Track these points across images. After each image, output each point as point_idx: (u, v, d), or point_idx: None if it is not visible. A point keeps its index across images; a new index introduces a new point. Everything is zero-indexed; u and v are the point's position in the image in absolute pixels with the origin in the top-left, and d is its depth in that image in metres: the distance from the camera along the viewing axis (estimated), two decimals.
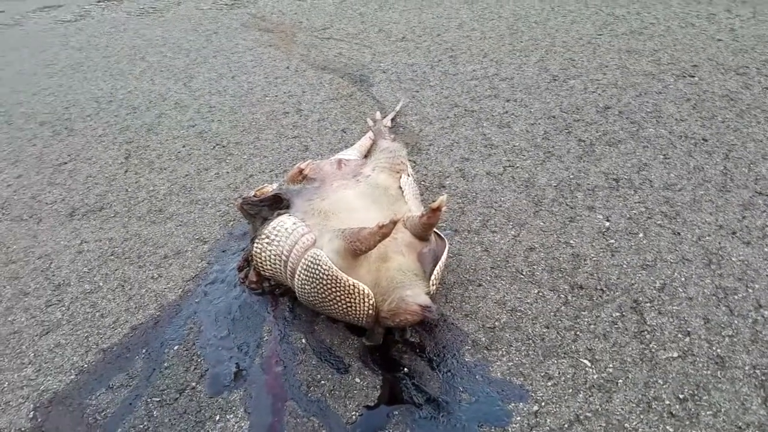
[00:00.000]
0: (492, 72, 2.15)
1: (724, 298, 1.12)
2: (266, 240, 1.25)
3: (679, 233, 1.31)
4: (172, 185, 1.75)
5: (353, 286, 1.07)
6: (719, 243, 1.27)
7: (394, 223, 1.06)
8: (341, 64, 2.43)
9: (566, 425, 0.95)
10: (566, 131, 1.72)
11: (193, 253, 1.46)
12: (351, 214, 1.21)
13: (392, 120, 1.92)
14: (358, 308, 1.08)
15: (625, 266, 1.24)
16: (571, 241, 1.33)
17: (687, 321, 1.10)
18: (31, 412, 1.09)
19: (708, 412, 0.95)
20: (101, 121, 2.20)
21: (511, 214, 1.43)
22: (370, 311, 1.08)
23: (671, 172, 1.50)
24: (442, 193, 1.54)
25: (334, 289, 1.08)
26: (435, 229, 1.22)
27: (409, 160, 1.66)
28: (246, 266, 1.36)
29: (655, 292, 1.17)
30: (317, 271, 1.10)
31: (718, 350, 1.04)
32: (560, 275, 1.24)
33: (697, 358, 1.03)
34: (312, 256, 1.13)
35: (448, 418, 0.99)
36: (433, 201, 1.11)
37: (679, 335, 1.07)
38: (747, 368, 1.01)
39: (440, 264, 1.14)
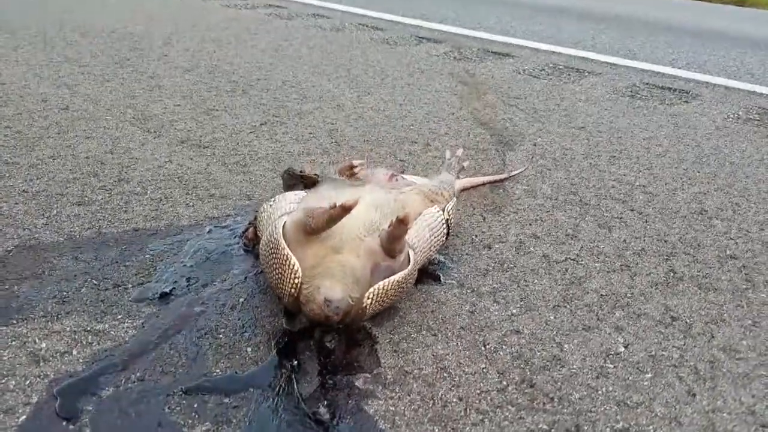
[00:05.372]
0: (641, 182, 1.98)
1: None
2: (271, 202, 1.33)
3: (694, 395, 1.07)
4: (272, 153, 1.93)
5: (287, 257, 1.08)
6: (732, 427, 1.01)
7: (344, 208, 1.06)
8: (501, 126, 2.44)
9: None
10: (665, 258, 1.52)
11: (233, 202, 1.59)
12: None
13: (497, 181, 1.88)
14: (284, 281, 1.09)
15: (600, 393, 1.05)
16: (566, 346, 1.17)
17: None
18: (11, 248, 1.29)
19: None
20: (283, 94, 2.50)
21: (531, 297, 1.31)
22: (293, 290, 1.08)
23: (746, 339, 1.23)
24: (482, 253, 1.47)
25: (273, 254, 1.11)
26: (414, 255, 1.18)
27: (480, 216, 1.62)
28: (254, 222, 1.44)
29: (608, 430, 0.98)
30: (271, 233, 1.14)
31: None
32: (522, 366, 1.10)
33: None
34: (276, 221, 1.17)
35: (288, 419, 0.94)
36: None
37: None
38: None
39: (388, 281, 1.10)
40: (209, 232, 1.44)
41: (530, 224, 1.64)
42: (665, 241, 1.61)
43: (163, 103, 2.33)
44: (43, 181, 1.60)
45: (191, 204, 1.56)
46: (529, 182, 1.92)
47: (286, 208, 1.23)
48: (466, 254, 1.46)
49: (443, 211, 1.39)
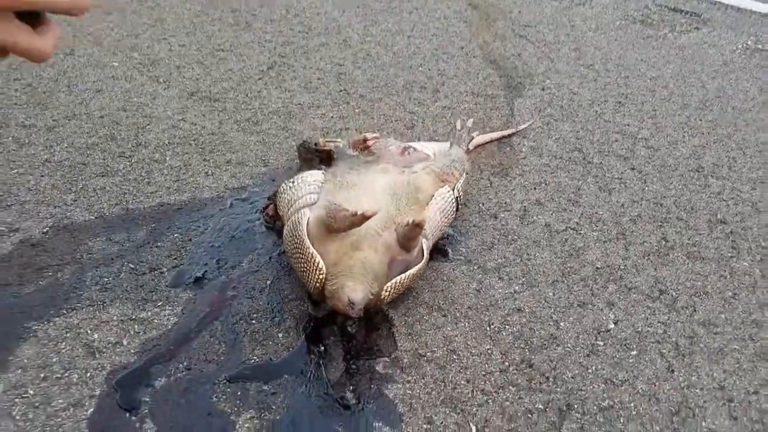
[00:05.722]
0: (644, 135, 2.06)
1: None
2: (290, 184, 1.42)
3: (673, 371, 1.24)
4: (282, 106, 1.99)
5: (312, 255, 1.20)
6: (702, 402, 1.18)
7: (364, 217, 1.17)
8: (510, 65, 2.47)
9: None
10: (658, 224, 1.64)
11: (250, 169, 1.68)
12: (362, 196, 1.33)
13: (503, 137, 1.96)
14: (309, 276, 1.22)
15: (590, 371, 1.22)
16: (562, 324, 1.32)
17: None
18: (47, 228, 1.40)
19: None
20: (287, 26, 2.51)
21: (532, 272, 1.44)
22: (318, 284, 1.21)
23: (725, 312, 1.39)
24: (489, 224, 1.58)
25: (298, 250, 1.23)
26: (426, 244, 1.30)
27: (487, 181, 1.71)
28: (273, 199, 1.54)
29: (595, 408, 1.15)
30: (295, 228, 1.25)
31: None
32: (522, 346, 1.26)
33: None
34: (299, 214, 1.27)
35: (319, 404, 1.10)
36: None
37: None
38: None
39: (404, 275, 1.22)
40: (231, 206, 1.55)
41: (535, 188, 1.74)
42: (661, 205, 1.73)
43: (167, 42, 2.34)
44: (63, 148, 1.68)
45: (210, 173, 1.66)
46: (535, 137, 2.00)
47: (308, 199, 1.33)
48: (474, 226, 1.58)
49: (454, 189, 1.49)
